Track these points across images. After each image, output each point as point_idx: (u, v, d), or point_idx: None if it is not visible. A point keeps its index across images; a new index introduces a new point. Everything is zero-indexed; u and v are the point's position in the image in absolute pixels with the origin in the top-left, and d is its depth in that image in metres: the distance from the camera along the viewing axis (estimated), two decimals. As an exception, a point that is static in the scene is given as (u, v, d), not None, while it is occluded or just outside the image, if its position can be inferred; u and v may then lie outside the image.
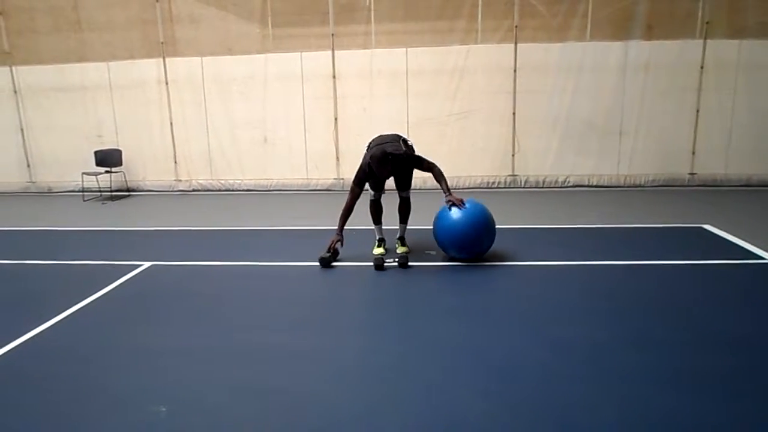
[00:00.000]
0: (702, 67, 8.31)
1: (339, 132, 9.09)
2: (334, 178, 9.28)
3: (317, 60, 8.92)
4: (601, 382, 3.03)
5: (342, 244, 5.26)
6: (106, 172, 9.08)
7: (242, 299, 4.48)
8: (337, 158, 9.19)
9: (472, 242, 5.05)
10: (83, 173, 8.94)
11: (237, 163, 9.43)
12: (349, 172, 9.04)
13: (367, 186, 5.31)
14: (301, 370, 3.29)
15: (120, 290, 4.73)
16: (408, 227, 5.59)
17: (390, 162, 4.96)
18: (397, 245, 5.52)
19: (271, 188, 9.41)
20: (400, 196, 5.46)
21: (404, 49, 8.63)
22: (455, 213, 4.94)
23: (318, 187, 9.31)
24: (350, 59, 8.86)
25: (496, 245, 5.16)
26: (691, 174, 8.66)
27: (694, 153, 8.59)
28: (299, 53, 8.94)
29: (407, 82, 8.65)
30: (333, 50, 8.86)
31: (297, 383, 3.14)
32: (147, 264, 5.39)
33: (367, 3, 8.68)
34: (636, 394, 2.90)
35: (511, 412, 2.78)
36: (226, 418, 2.82)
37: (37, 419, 2.87)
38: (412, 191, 5.47)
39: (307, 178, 9.34)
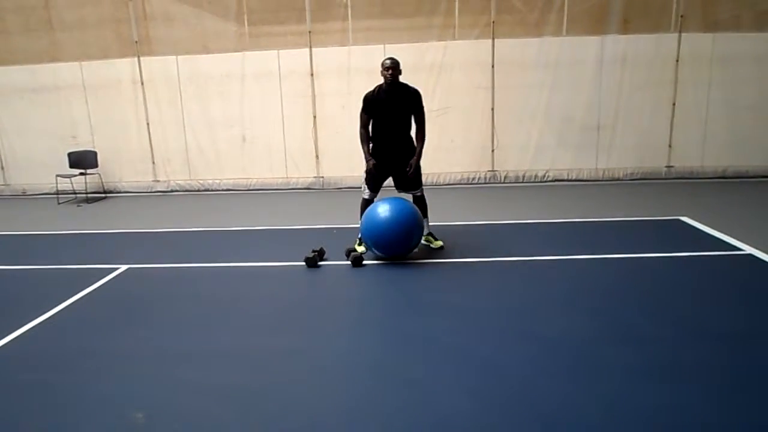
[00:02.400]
0: (677, 61, 8.39)
1: (318, 130, 9.04)
2: (314, 176, 9.22)
3: (295, 58, 8.85)
4: (587, 377, 3.04)
5: (375, 166, 5.25)
6: (81, 174, 8.93)
7: (222, 301, 4.42)
8: (317, 156, 9.13)
9: (402, 241, 5.05)
10: (57, 175, 8.78)
11: (216, 162, 9.33)
12: (329, 170, 9.11)
13: (364, 187, 5.37)
14: (284, 371, 3.26)
15: (96, 294, 4.65)
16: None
17: (394, 69, 4.99)
18: (430, 240, 5.49)
19: (251, 187, 9.33)
20: (414, 195, 5.40)
21: (382, 45, 8.58)
22: (383, 212, 4.97)
23: (298, 186, 9.25)
24: (328, 56, 8.80)
25: (477, 241, 5.16)
26: (668, 167, 8.75)
27: (670, 146, 8.67)
28: (276, 51, 8.87)
29: (386, 78, 8.60)
30: (310, 47, 8.80)
31: (280, 385, 3.10)
32: (124, 267, 5.30)
33: (344, 0, 8.63)
34: (623, 389, 2.91)
35: (497, 410, 2.77)
36: (206, 422, 2.78)
37: (12, 428, 2.80)
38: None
39: (287, 177, 9.27)
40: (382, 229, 4.97)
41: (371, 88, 5.19)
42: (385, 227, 4.95)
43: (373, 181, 5.34)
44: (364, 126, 5.24)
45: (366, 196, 5.39)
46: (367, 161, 5.27)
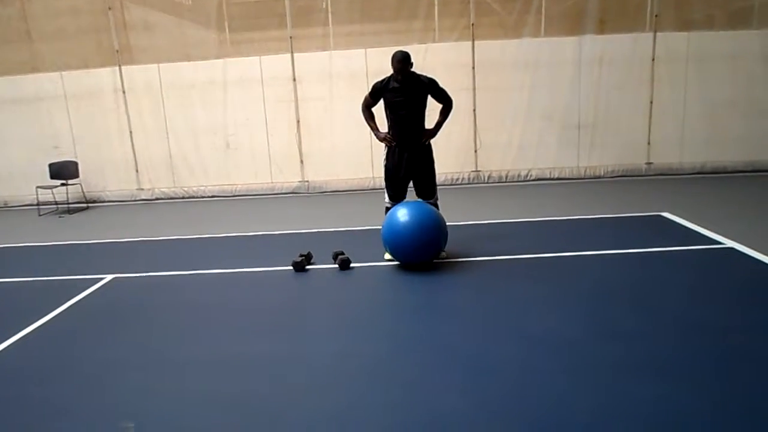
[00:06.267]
0: (653, 60, 8.54)
1: (302, 134, 9.06)
2: (299, 181, 9.24)
3: (277, 63, 8.87)
4: (576, 374, 3.08)
5: (391, 142, 5.12)
6: (62, 184, 8.85)
7: (210, 308, 4.42)
8: (301, 161, 9.15)
9: (426, 246, 4.87)
10: (37, 187, 8.70)
11: (200, 169, 9.31)
12: (314, 174, 9.14)
13: (385, 194, 5.28)
14: (274, 376, 3.27)
15: (81, 305, 4.63)
16: (369, 228, 5.57)
17: (404, 62, 4.85)
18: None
19: (236, 194, 9.32)
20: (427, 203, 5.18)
21: (363, 49, 8.65)
22: (403, 218, 4.80)
23: (283, 191, 9.26)
24: (310, 61, 8.83)
25: (462, 241, 5.21)
26: (648, 164, 8.89)
27: (649, 143, 8.82)
28: (258, 57, 8.88)
29: (368, 82, 8.53)
30: (292, 53, 8.82)
31: (269, 390, 3.11)
32: (109, 277, 5.28)
33: (324, 5, 8.68)
34: (611, 385, 2.95)
35: (488, 409, 2.81)
36: (197, 430, 2.79)
37: (0, 441, 2.80)
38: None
39: (272, 182, 9.28)
40: (403, 235, 4.80)
41: (380, 78, 5.09)
42: (407, 233, 4.78)
43: (393, 182, 5.19)
44: (367, 106, 5.18)
45: (388, 205, 5.24)
46: (377, 136, 5.18)
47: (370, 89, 5.14)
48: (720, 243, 5.23)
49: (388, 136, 5.13)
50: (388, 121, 5.14)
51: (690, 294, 4.14)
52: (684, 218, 6.10)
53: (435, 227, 4.84)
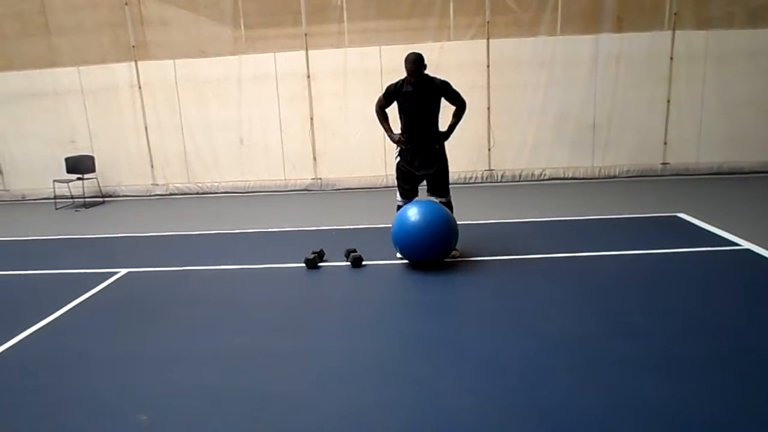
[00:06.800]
0: (671, 58, 8.44)
1: (315, 131, 9.07)
2: (312, 178, 9.25)
3: (291, 60, 8.88)
4: (587, 373, 3.06)
5: (404, 144, 5.13)
6: (78, 179, 8.93)
7: (222, 304, 4.44)
8: (314, 158, 9.16)
9: (436, 246, 4.85)
10: (54, 180, 8.80)
11: (214, 165, 9.36)
12: (327, 172, 9.15)
13: (397, 192, 5.29)
14: (286, 373, 3.28)
15: (96, 298, 4.67)
16: (382, 226, 5.57)
17: (418, 64, 4.83)
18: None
19: (249, 190, 9.36)
20: (440, 202, 5.14)
21: (377, 47, 8.63)
22: (413, 216, 4.78)
23: (296, 188, 9.28)
24: (324, 59, 8.84)
25: (475, 240, 5.19)
26: (664, 164, 8.80)
27: (666, 143, 8.72)
28: (273, 54, 8.90)
29: (382, 80, 8.59)
30: (306, 50, 8.83)
31: (282, 387, 3.12)
32: (123, 271, 5.32)
33: (339, 2, 8.67)
34: (623, 383, 2.93)
35: (499, 407, 2.80)
36: (210, 425, 2.80)
37: (14, 432, 2.82)
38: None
39: (285, 179, 9.30)
40: (413, 234, 4.79)
41: (394, 81, 5.08)
42: (417, 232, 4.76)
43: (405, 182, 5.18)
44: (380, 107, 5.15)
45: (400, 203, 5.23)
46: (391, 138, 5.17)
47: (383, 91, 5.14)
48: (737, 244, 5.17)
49: (402, 138, 5.12)
50: (401, 123, 5.13)
51: (706, 295, 4.09)
52: (700, 219, 6.03)
53: (445, 226, 4.82)
